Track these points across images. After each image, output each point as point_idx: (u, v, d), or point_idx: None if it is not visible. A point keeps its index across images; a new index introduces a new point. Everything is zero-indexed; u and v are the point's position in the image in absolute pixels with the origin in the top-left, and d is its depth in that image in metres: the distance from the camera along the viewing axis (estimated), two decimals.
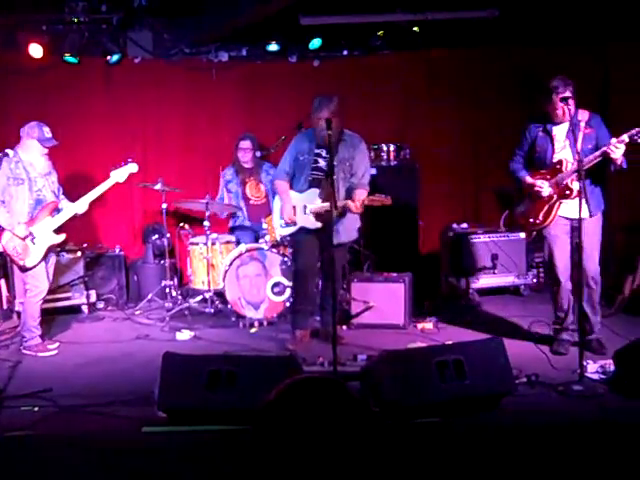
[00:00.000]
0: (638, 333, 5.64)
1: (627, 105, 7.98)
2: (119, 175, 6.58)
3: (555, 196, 5.79)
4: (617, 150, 5.40)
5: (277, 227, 6.62)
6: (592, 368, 5.37)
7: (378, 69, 8.93)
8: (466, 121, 8.92)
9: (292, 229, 6.44)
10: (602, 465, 4.00)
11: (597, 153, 5.52)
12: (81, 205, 6.44)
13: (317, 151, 6.30)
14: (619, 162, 5.48)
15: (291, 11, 7.79)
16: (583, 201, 5.23)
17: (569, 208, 5.72)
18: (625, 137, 5.39)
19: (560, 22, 8.05)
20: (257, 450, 2.21)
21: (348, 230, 6.34)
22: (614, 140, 5.42)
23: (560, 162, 5.75)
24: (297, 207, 6.34)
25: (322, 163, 6.27)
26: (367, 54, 9.05)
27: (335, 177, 6.09)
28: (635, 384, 4.95)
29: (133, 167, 6.66)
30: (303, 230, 6.39)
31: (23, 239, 6.15)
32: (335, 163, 6.05)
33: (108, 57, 8.36)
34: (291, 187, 6.42)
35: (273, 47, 8.66)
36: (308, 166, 6.31)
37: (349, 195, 6.19)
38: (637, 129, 5.35)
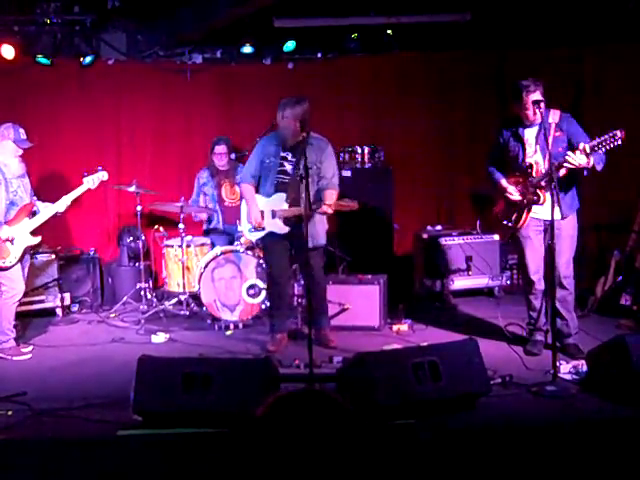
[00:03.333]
0: (610, 334, 5.68)
1: (601, 108, 8.06)
2: (91, 182, 6.59)
3: (525, 201, 5.82)
4: (575, 160, 5.35)
5: (245, 232, 6.55)
6: (565, 369, 5.42)
7: (352, 71, 8.96)
8: (440, 123, 8.97)
9: (260, 234, 6.37)
10: (575, 464, 4.04)
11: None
12: (61, 205, 6.43)
13: (283, 154, 6.22)
14: (590, 166, 5.43)
15: (265, 13, 7.79)
16: (555, 203, 5.26)
17: (542, 209, 5.75)
18: (587, 147, 5.35)
19: (533, 26, 8.12)
20: (247, 464, 2.21)
21: (317, 235, 6.26)
22: (570, 153, 5.37)
23: (531, 166, 5.76)
24: (265, 212, 6.27)
25: (288, 167, 6.22)
26: (341, 56, 9.08)
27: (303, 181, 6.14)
28: (607, 384, 5.01)
29: (104, 175, 6.69)
30: (272, 235, 6.32)
31: (4, 241, 6.13)
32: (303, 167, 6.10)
33: (81, 58, 8.31)
34: (257, 191, 6.36)
35: (247, 49, 8.64)
36: (274, 170, 6.24)
37: (318, 197, 6.13)
38: (598, 140, 5.28)
